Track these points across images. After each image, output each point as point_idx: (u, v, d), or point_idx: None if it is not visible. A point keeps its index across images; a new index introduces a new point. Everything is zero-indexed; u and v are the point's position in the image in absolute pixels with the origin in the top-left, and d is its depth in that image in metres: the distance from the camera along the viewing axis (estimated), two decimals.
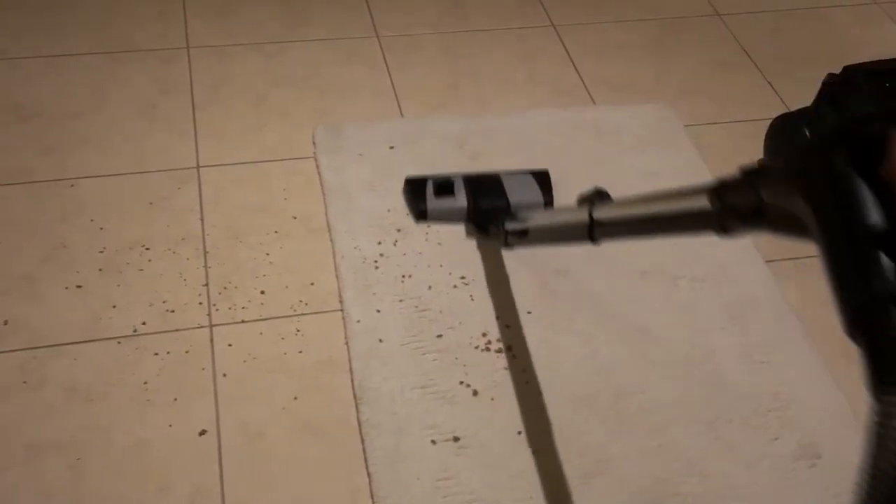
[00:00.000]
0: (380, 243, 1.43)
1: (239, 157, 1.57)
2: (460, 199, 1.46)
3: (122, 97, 1.66)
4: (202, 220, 1.45)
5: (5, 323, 1.28)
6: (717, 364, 1.29)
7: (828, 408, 1.25)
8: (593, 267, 1.42)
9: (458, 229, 1.46)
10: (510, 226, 1.33)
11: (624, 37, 1.90)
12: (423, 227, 1.46)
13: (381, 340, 1.29)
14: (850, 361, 1.33)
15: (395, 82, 1.74)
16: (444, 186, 1.47)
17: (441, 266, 1.40)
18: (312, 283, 1.37)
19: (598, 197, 1.19)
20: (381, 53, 1.81)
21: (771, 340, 1.33)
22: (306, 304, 1.35)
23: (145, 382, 1.23)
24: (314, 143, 1.59)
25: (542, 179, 1.50)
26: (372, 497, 1.12)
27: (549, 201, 1.48)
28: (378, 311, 1.33)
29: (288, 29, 1.84)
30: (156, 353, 1.27)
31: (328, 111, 1.67)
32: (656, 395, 1.25)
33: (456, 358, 1.28)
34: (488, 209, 1.44)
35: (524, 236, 1.30)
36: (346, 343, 1.29)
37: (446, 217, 1.46)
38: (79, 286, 1.34)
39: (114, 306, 1.32)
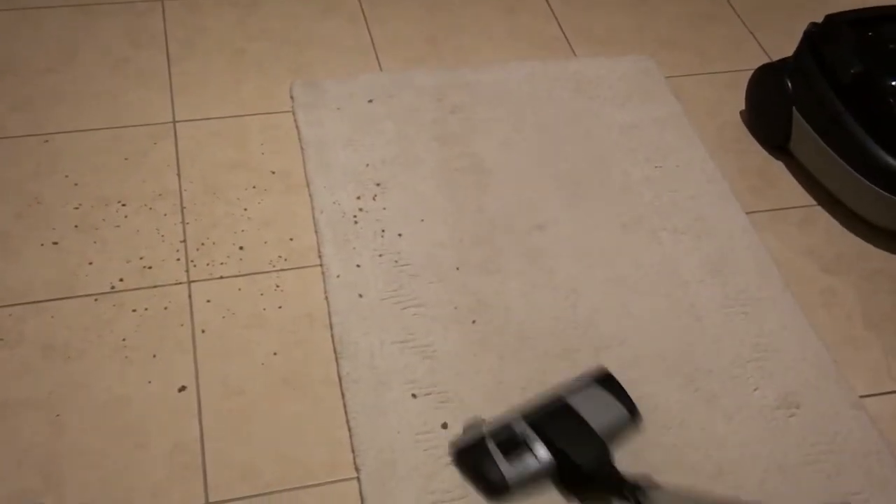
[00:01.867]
0: (359, 198, 1.41)
1: (215, 112, 1.54)
2: (541, 453, 1.10)
3: (96, 51, 1.63)
4: (179, 175, 1.44)
5: None
6: (698, 315, 1.30)
7: (807, 358, 1.26)
8: (573, 221, 1.41)
9: (433, 181, 1.45)
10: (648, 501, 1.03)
11: None
12: (402, 180, 1.44)
13: (360, 295, 1.29)
14: (829, 311, 1.33)
15: (373, 36, 1.72)
16: (511, 441, 1.11)
17: (422, 221, 1.39)
18: (291, 239, 1.36)
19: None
20: (359, 6, 1.78)
21: (751, 291, 1.33)
22: (285, 259, 1.34)
23: (123, 339, 1.22)
24: (292, 98, 1.57)
25: (612, 385, 1.18)
26: (352, 451, 1.12)
27: (633, 409, 1.17)
28: (358, 265, 1.32)
29: None
30: (134, 310, 1.25)
31: (306, 65, 1.65)
32: (636, 347, 1.25)
33: (436, 313, 1.27)
34: (586, 462, 1.09)
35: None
36: (326, 298, 1.29)
37: (532, 482, 1.10)
38: (54, 243, 1.32)
39: (90, 263, 1.30)
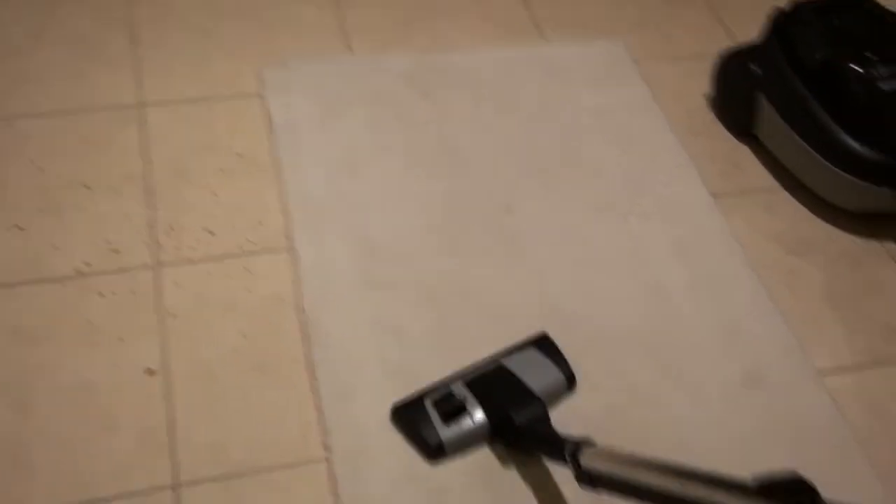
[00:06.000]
0: (329, 180, 1.41)
1: (183, 95, 1.53)
2: (478, 416, 1.11)
3: (61, 33, 1.61)
4: (146, 158, 1.42)
5: None
6: (665, 296, 1.31)
7: (771, 337, 1.28)
8: (543, 204, 1.42)
9: (404, 164, 1.45)
10: (586, 460, 0.95)
11: None
12: (372, 163, 1.44)
13: (330, 278, 1.28)
14: (792, 292, 1.35)
15: (345, 19, 1.71)
16: (450, 404, 1.12)
17: (392, 204, 1.39)
18: (261, 222, 1.36)
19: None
20: None
21: (717, 273, 1.35)
22: (255, 243, 1.33)
23: (90, 322, 1.21)
24: (261, 80, 1.56)
25: (549, 348, 1.20)
26: (324, 433, 1.12)
27: (569, 373, 1.18)
28: (328, 248, 1.32)
29: None
30: (101, 294, 1.24)
31: (275, 47, 1.63)
32: (604, 326, 1.27)
33: (407, 295, 1.28)
34: (523, 421, 1.10)
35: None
36: (297, 282, 1.28)
37: (469, 444, 1.11)
38: (19, 227, 1.31)
39: (56, 247, 1.29)
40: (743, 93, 1.54)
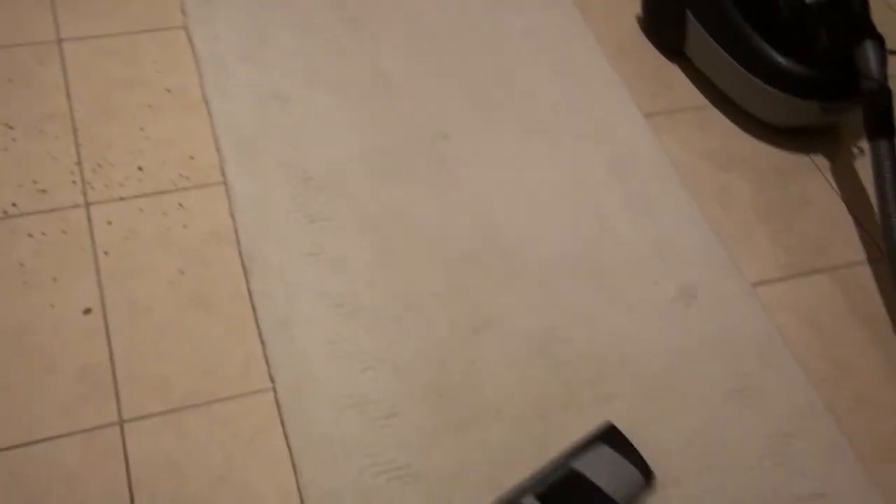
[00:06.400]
0: (260, 112, 1.39)
1: (103, 29, 1.48)
2: None
3: None
4: (68, 96, 1.38)
5: None
6: (601, 217, 1.33)
7: (704, 252, 1.31)
8: (477, 129, 1.42)
9: (335, 92, 1.43)
10: None
11: None
12: (303, 93, 1.42)
13: (266, 211, 1.27)
14: (723, 208, 1.38)
15: None
16: None
17: (325, 134, 1.38)
18: (192, 157, 1.33)
19: None
20: None
21: (651, 191, 1.37)
22: (187, 178, 1.31)
23: (21, 264, 1.18)
24: (183, 12, 1.52)
25: (621, 444, 1.08)
26: (267, 363, 1.13)
27: (647, 472, 1.07)
28: (262, 181, 1.30)
29: None
30: (30, 235, 1.22)
31: None
32: (542, 249, 1.28)
33: (344, 224, 1.27)
34: None
35: None
36: (232, 215, 1.27)
37: None
38: None
39: None
40: (671, 12, 1.55)
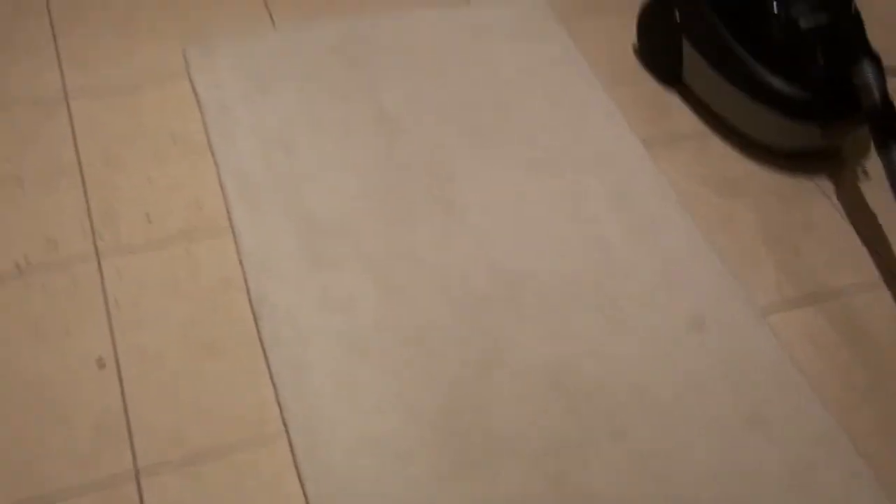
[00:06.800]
0: (265, 158, 1.40)
1: (109, 82, 1.51)
2: None
3: None
4: (76, 149, 1.40)
5: None
6: (606, 248, 1.33)
7: (711, 279, 1.31)
8: (480, 167, 1.43)
9: (338, 136, 1.45)
10: None
11: None
12: (306, 137, 1.44)
13: (274, 255, 1.29)
14: (727, 234, 1.38)
15: None
16: None
17: (330, 177, 1.39)
18: (199, 204, 1.35)
19: None
20: None
21: (654, 220, 1.38)
22: (195, 226, 1.33)
23: (35, 318, 1.20)
24: (186, 61, 1.54)
25: None
26: (279, 407, 1.13)
27: None
28: (269, 225, 1.32)
29: None
30: (43, 288, 1.23)
31: (198, 27, 1.61)
32: (549, 281, 1.29)
33: (350, 267, 1.28)
34: None
35: None
36: (240, 261, 1.28)
37: None
38: None
39: None
40: (667, 39, 1.56)
